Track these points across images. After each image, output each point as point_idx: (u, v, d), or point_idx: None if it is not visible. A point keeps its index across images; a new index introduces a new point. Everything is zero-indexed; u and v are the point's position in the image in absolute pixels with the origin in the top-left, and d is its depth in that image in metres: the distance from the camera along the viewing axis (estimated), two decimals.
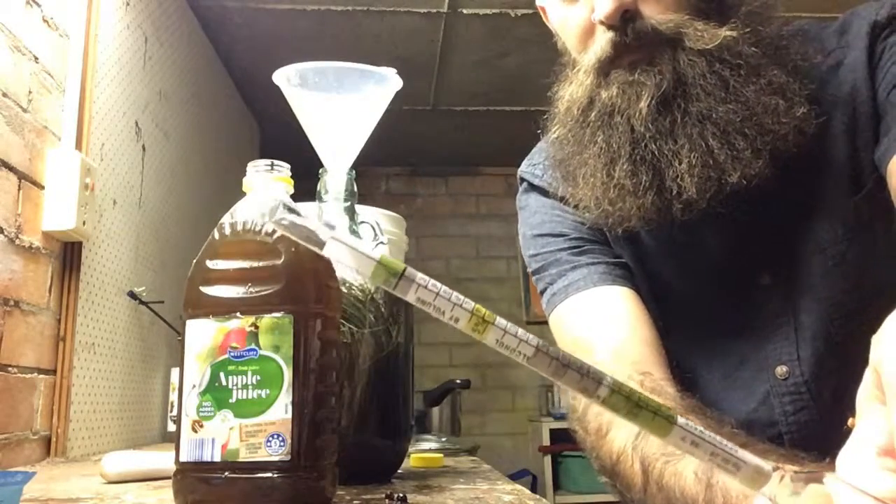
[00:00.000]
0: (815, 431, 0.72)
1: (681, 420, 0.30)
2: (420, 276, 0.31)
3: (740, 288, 0.75)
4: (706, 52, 0.67)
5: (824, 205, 0.71)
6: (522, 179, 0.93)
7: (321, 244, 0.30)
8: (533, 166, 0.91)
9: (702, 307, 0.78)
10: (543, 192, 0.88)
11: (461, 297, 0.31)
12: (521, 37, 2.44)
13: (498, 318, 0.30)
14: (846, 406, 0.66)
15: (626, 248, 0.81)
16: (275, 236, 0.59)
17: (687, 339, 0.78)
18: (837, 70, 0.72)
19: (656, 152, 0.68)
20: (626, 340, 0.74)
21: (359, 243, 0.31)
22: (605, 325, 0.76)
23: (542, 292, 0.84)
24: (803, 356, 0.72)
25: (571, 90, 0.75)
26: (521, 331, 0.30)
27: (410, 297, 0.30)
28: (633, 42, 0.68)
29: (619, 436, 0.67)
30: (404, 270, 0.30)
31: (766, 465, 0.30)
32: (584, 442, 0.75)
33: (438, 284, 0.31)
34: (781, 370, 0.73)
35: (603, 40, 0.70)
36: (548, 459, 3.13)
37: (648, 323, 0.77)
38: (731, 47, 0.67)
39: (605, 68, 0.71)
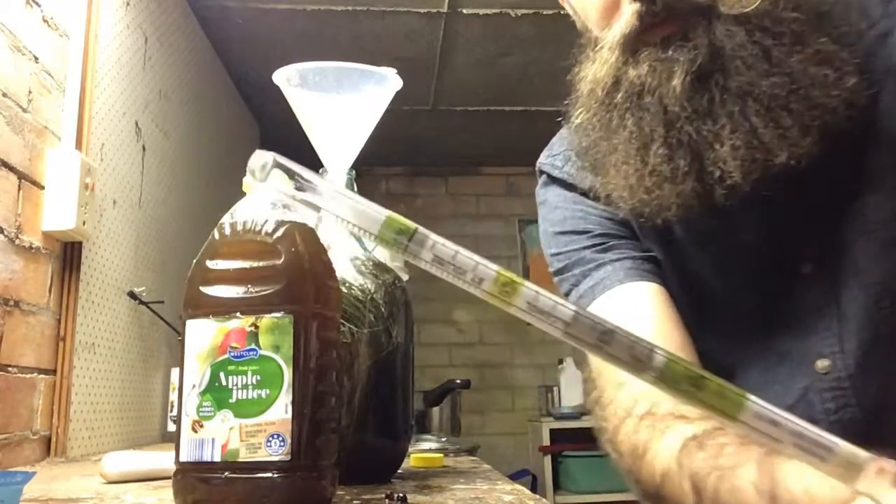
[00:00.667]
0: (860, 431, 0.65)
1: (752, 397, 0.25)
2: (435, 235, 0.27)
3: (779, 278, 0.69)
4: (744, 20, 0.61)
5: (873, 183, 0.65)
6: (541, 171, 0.87)
7: (319, 196, 0.28)
8: (553, 157, 0.85)
9: (738, 300, 0.73)
10: (564, 185, 0.82)
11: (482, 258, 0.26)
12: (521, 37, 2.44)
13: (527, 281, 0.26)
14: (894, 402, 0.62)
15: (655, 241, 0.75)
16: (275, 236, 0.59)
17: (723, 336, 0.73)
18: (886, 39, 0.65)
19: (694, 134, 0.62)
20: (652, 340, 0.69)
21: (363, 199, 0.28)
22: (630, 325, 0.70)
23: (567, 294, 0.79)
24: (847, 349, 0.66)
25: (594, 70, 0.69)
26: (554, 295, 0.26)
27: (425, 257, 0.27)
28: (662, 13, 0.62)
29: (661, 454, 0.61)
30: (416, 229, 0.27)
31: (862, 453, 0.26)
32: (619, 464, 0.68)
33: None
34: (822, 364, 0.67)
35: (629, 13, 0.64)
36: (548, 459, 3.13)
37: (677, 321, 0.72)
38: (771, 12, 0.61)
39: (632, 45, 0.64)
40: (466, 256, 0.26)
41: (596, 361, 0.73)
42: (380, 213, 0.27)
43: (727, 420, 0.25)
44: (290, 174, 0.29)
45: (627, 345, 0.25)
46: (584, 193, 0.77)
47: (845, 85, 0.60)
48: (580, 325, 0.25)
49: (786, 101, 0.60)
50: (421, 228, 0.27)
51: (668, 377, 0.25)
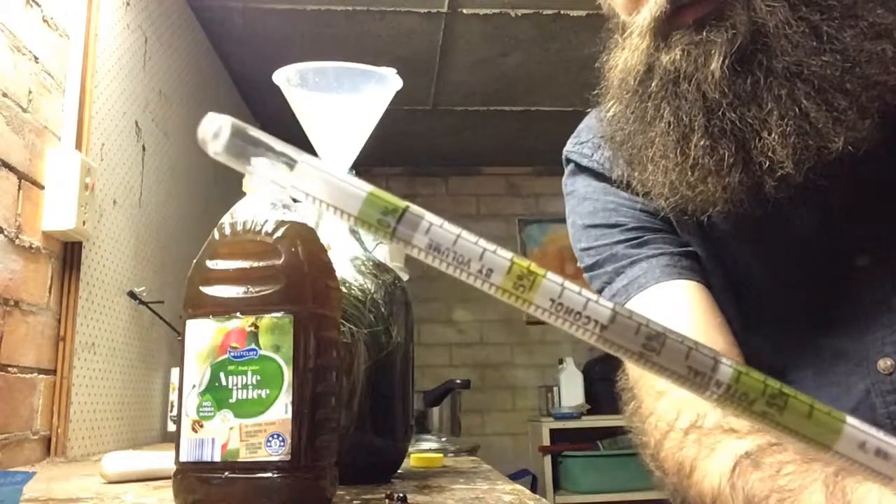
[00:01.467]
0: None
1: (851, 419, 0.19)
2: (431, 215, 0.21)
3: (833, 271, 0.64)
4: None
5: None
6: (569, 160, 0.80)
7: (289, 167, 0.21)
8: (581, 145, 0.79)
9: (787, 296, 0.67)
10: (594, 175, 0.76)
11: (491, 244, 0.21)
12: (521, 37, 2.44)
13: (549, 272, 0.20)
14: None
15: (695, 235, 0.70)
16: (275, 236, 0.59)
17: (772, 335, 0.68)
18: None
19: (738, 121, 0.57)
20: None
21: (340, 172, 0.21)
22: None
23: (599, 292, 0.72)
24: None
25: (625, 57, 0.63)
26: (584, 289, 0.21)
27: (418, 243, 0.21)
28: None
29: (711, 473, 0.55)
30: (406, 208, 0.21)
31: None
32: (663, 484, 0.62)
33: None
34: (885, 363, 0.61)
35: None
36: (548, 459, 3.13)
37: (721, 323, 0.66)
38: None
39: (663, 29, 0.59)
40: (471, 242, 0.21)
41: (631, 368, 0.69)
42: (360, 188, 0.21)
43: (819, 449, 0.19)
44: (251, 142, 0.22)
45: (683, 353, 0.19)
46: (616, 183, 0.72)
47: None
48: (620, 328, 0.20)
49: (840, 81, 0.54)
50: (413, 207, 0.21)
51: (739, 394, 0.19)
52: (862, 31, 0.55)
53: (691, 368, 0.19)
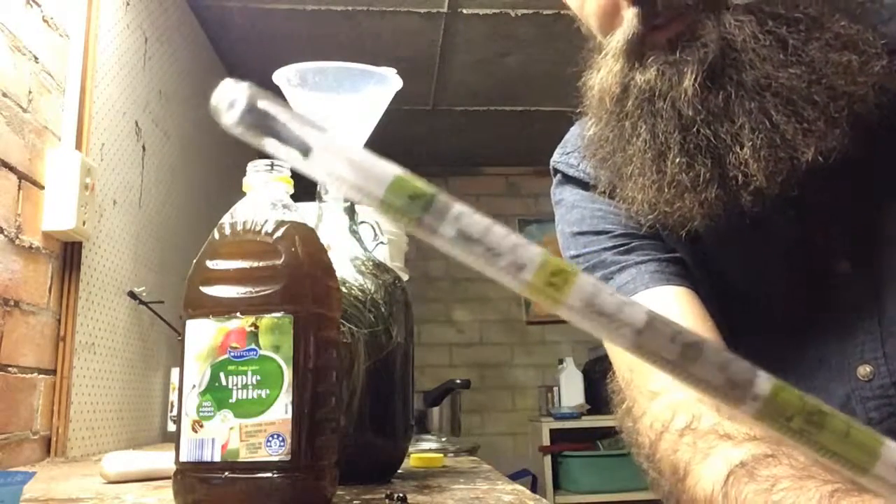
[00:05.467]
0: None
1: (889, 441, 0.19)
2: (461, 204, 0.20)
3: (814, 278, 0.65)
4: (754, 8, 0.56)
5: None
6: (556, 171, 0.82)
7: (305, 152, 0.20)
8: (566, 155, 0.80)
9: (770, 304, 0.68)
10: (580, 184, 0.77)
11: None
12: (521, 37, 2.44)
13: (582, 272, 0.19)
14: None
15: (679, 243, 0.70)
16: (275, 236, 0.59)
17: (756, 342, 0.66)
18: None
19: (712, 137, 0.57)
20: None
21: (365, 151, 0.20)
22: None
23: None
24: (890, 353, 0.61)
25: (601, 77, 0.65)
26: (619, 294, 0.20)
27: (445, 233, 0.20)
28: (664, 13, 0.58)
29: (704, 479, 0.55)
30: (434, 195, 0.20)
31: None
32: (658, 484, 0.63)
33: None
34: (864, 370, 0.62)
35: (629, 16, 0.60)
36: (548, 459, 3.13)
37: (710, 326, 0.67)
38: None
39: (636, 50, 0.60)
40: (503, 235, 0.20)
41: (622, 369, 0.69)
42: (387, 171, 0.20)
43: (856, 472, 0.19)
44: (267, 117, 0.20)
45: (720, 363, 0.18)
46: (603, 192, 0.72)
47: (872, 70, 0.55)
48: (656, 335, 0.19)
49: (808, 93, 0.55)
50: (442, 194, 0.20)
51: (777, 410, 0.18)
52: (827, 42, 0.56)
53: (729, 380, 0.18)
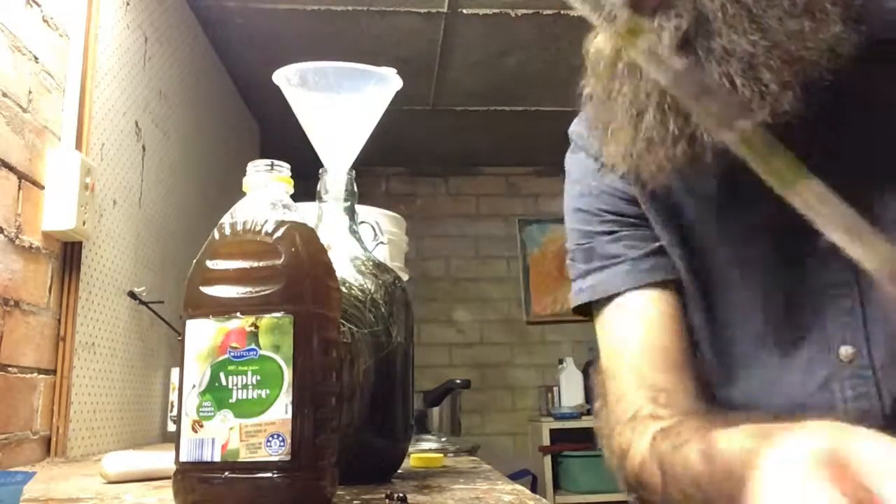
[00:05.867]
0: (878, 421, 0.63)
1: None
2: None
3: (795, 254, 0.67)
4: None
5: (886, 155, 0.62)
6: (570, 138, 0.86)
7: None
8: (578, 123, 0.85)
9: (752, 282, 0.71)
10: (586, 154, 0.82)
11: None
12: (521, 37, 2.44)
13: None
14: None
15: (665, 223, 0.75)
16: (275, 236, 0.59)
17: (737, 318, 0.72)
18: None
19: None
20: (643, 359, 0.71)
21: None
22: (627, 336, 0.73)
23: (573, 280, 0.82)
24: (874, 335, 0.63)
25: (596, 42, 0.71)
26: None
27: None
28: None
29: (638, 448, 0.67)
30: None
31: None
32: (612, 466, 0.73)
33: None
34: (846, 351, 0.64)
35: None
36: (548, 459, 3.13)
37: (675, 329, 0.72)
38: None
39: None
40: None
41: (603, 378, 0.77)
42: None
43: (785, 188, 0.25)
44: None
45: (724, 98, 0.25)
46: (602, 164, 0.78)
47: (824, 35, 0.59)
48: (689, 79, 0.24)
49: (766, 58, 0.59)
50: None
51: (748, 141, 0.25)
52: (785, 10, 0.60)
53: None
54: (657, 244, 0.76)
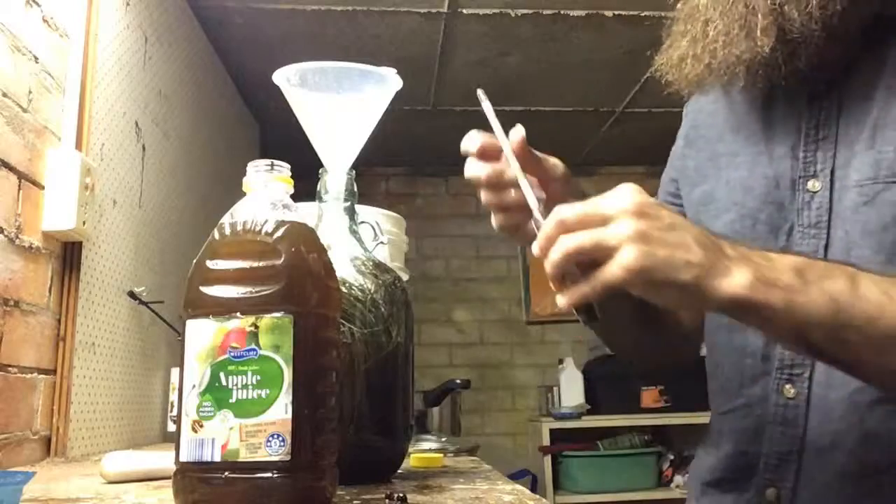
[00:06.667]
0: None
1: None
2: None
3: (787, 198, 0.74)
4: None
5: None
6: None
7: None
8: None
9: (740, 197, 0.78)
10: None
11: None
12: (521, 37, 2.44)
13: None
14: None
15: (704, 153, 0.85)
16: (275, 236, 0.59)
17: (719, 230, 0.76)
18: None
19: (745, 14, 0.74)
20: None
21: None
22: None
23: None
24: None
25: None
26: None
27: None
28: None
29: None
30: None
31: None
32: None
33: None
34: None
35: None
36: (548, 459, 3.13)
37: None
38: None
39: None
40: None
41: None
42: None
43: None
44: None
45: None
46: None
47: None
48: None
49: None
50: None
51: None
52: None
53: None
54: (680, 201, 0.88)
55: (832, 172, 0.71)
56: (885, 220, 0.67)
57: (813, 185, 0.72)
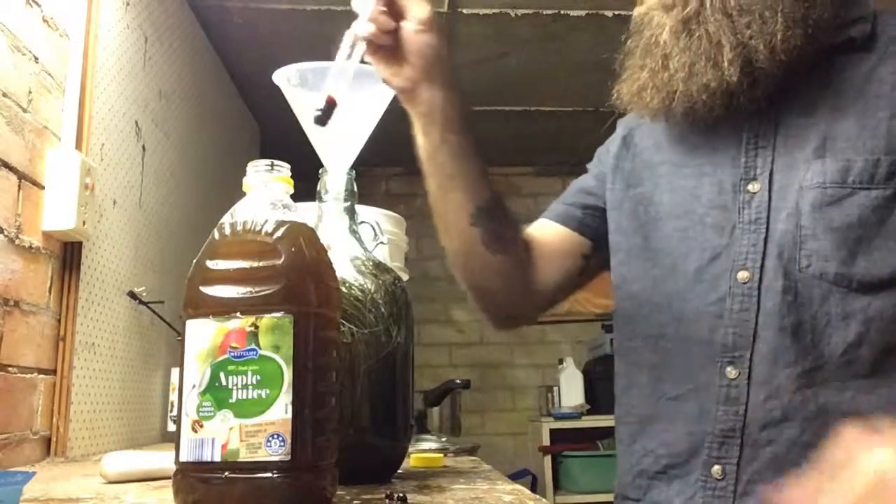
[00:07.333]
0: (748, 332, 0.77)
1: None
2: None
3: (728, 199, 0.81)
4: None
5: (847, 124, 0.76)
6: None
7: None
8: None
9: (688, 205, 0.84)
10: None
11: None
12: (521, 37, 2.44)
13: None
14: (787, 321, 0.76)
15: (619, 176, 0.94)
16: (275, 236, 0.59)
17: (668, 234, 0.85)
18: None
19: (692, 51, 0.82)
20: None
21: None
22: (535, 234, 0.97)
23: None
24: (768, 265, 0.77)
25: (637, 10, 0.87)
26: None
27: None
28: None
29: None
30: None
31: None
32: None
33: None
34: (743, 275, 0.78)
35: None
36: (548, 459, 3.13)
37: (553, 236, 0.97)
38: None
39: None
40: None
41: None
42: None
43: None
44: None
45: None
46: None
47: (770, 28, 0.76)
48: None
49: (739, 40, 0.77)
50: None
51: None
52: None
53: None
54: (590, 204, 0.97)
55: (770, 175, 0.79)
56: (850, 220, 0.74)
57: (753, 186, 0.80)
